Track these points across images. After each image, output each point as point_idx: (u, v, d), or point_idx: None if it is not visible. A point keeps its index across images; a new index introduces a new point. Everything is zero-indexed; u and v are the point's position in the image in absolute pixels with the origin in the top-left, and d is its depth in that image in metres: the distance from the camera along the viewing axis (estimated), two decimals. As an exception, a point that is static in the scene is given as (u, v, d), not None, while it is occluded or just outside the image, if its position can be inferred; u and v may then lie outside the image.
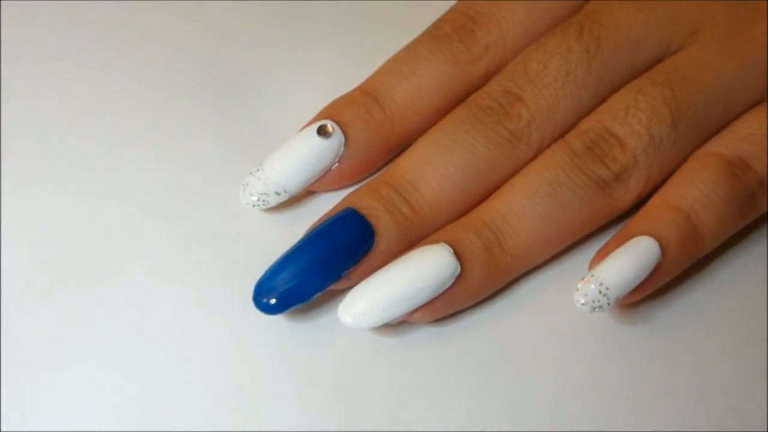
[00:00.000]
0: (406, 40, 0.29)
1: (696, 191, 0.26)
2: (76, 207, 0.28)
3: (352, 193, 0.27)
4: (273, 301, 0.25)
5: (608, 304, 0.25)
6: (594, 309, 0.25)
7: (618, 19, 0.28)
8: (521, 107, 0.27)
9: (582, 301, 0.25)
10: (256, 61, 0.31)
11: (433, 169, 0.27)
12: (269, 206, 0.28)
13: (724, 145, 0.27)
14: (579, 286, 0.25)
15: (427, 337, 0.27)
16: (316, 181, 0.28)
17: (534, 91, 0.27)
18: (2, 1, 0.32)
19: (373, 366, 0.26)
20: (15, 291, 0.27)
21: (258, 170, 0.27)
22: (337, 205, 0.27)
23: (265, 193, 0.27)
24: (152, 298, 0.27)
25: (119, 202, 0.28)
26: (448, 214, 0.27)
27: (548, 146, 0.27)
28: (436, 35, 0.29)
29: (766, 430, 0.25)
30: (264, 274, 0.26)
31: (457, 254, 0.25)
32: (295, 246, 0.26)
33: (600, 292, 0.25)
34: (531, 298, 0.27)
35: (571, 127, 0.27)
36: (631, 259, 0.25)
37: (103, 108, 0.30)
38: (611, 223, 0.28)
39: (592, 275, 0.25)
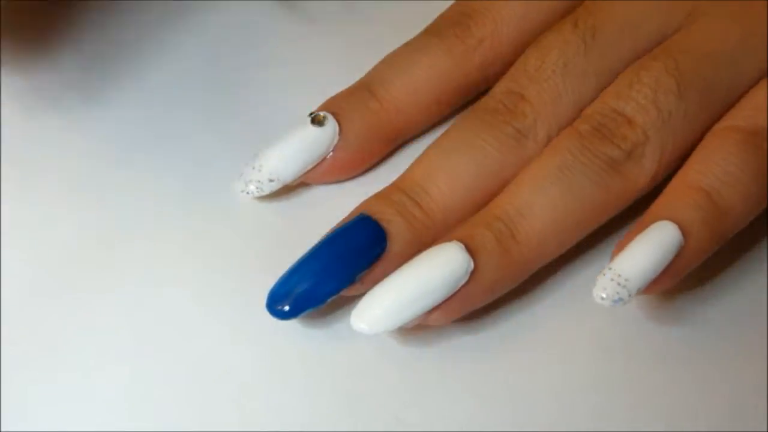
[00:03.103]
0: (406, 39, 0.29)
1: (716, 168, 0.25)
2: (75, 207, 0.28)
3: (364, 201, 0.27)
4: (287, 307, 0.25)
5: (629, 295, 0.24)
6: (615, 302, 0.24)
7: (613, 7, 0.27)
8: (525, 105, 0.27)
9: (602, 295, 0.24)
10: (256, 61, 0.31)
11: (442, 172, 0.27)
12: (263, 194, 0.28)
13: (740, 116, 0.26)
14: (597, 279, 0.24)
15: (428, 337, 0.26)
16: (312, 170, 0.28)
17: (536, 88, 0.27)
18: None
19: (374, 366, 0.26)
20: (15, 289, 0.27)
21: (253, 159, 0.28)
22: (351, 213, 0.27)
23: (259, 181, 0.28)
24: (153, 299, 0.27)
25: (119, 202, 0.28)
26: (460, 215, 0.26)
27: None
28: (432, 31, 0.29)
29: (766, 430, 0.25)
30: (277, 282, 0.26)
31: (469, 250, 0.25)
32: (307, 252, 0.26)
33: (619, 284, 0.24)
34: (532, 299, 0.27)
35: (577, 118, 0.27)
36: (649, 246, 0.24)
37: (101, 109, 0.30)
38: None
39: (610, 268, 0.24)
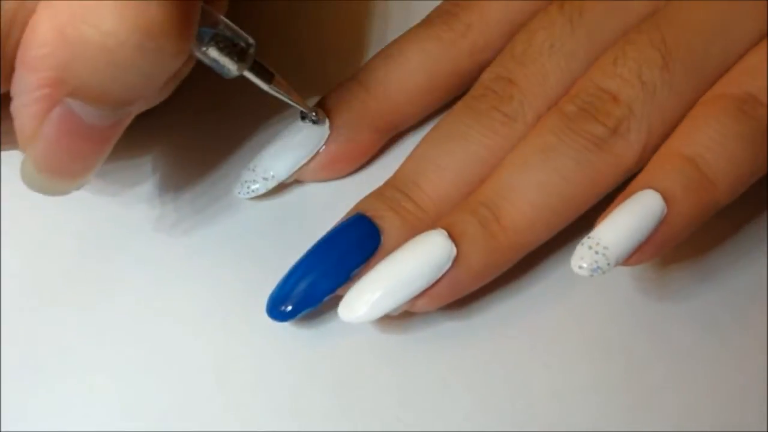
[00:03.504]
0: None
1: (701, 135, 0.24)
2: (75, 208, 0.28)
3: (359, 201, 0.27)
4: (288, 308, 0.25)
5: (608, 264, 0.23)
6: (593, 272, 0.23)
7: None
8: (512, 89, 0.27)
9: (581, 264, 0.23)
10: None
11: (432, 163, 0.27)
12: (259, 194, 0.28)
13: (728, 83, 0.25)
14: (576, 249, 0.24)
15: (427, 337, 0.26)
16: (305, 166, 0.28)
17: (522, 71, 0.27)
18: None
19: (373, 365, 0.26)
20: (16, 291, 0.27)
21: (249, 162, 0.28)
22: (347, 213, 0.27)
23: (254, 180, 0.28)
24: (151, 301, 0.27)
25: (118, 203, 0.28)
26: (453, 204, 0.26)
27: None
28: (423, 24, 0.29)
29: (766, 430, 0.25)
30: (275, 287, 0.26)
31: (452, 236, 0.25)
32: (304, 254, 0.26)
33: (597, 253, 0.23)
34: (531, 298, 0.27)
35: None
36: (629, 214, 0.24)
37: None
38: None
39: (589, 237, 0.24)
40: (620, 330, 0.26)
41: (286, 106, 0.27)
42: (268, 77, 0.26)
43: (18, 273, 0.27)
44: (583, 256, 0.23)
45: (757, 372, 0.26)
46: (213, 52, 0.24)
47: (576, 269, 0.23)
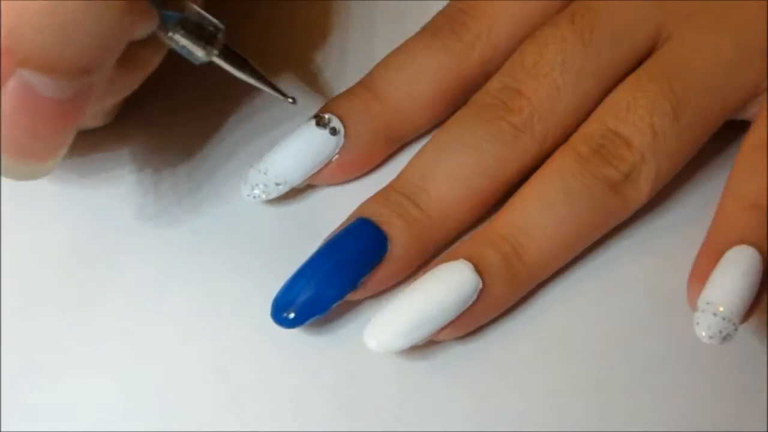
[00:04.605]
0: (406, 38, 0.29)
1: (762, 182, 0.25)
2: (76, 208, 0.28)
3: (363, 203, 0.27)
4: (291, 315, 0.25)
5: (735, 328, 0.24)
6: (724, 339, 0.23)
7: (610, 5, 0.27)
8: (522, 100, 0.27)
9: (708, 334, 0.24)
10: (259, 63, 0.30)
11: (439, 169, 0.27)
12: (270, 198, 0.27)
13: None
14: (698, 320, 0.24)
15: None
16: (318, 173, 0.28)
17: (533, 83, 0.27)
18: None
19: (373, 366, 0.26)
20: (16, 292, 0.27)
21: (258, 162, 0.27)
22: (349, 216, 0.27)
23: (265, 184, 0.27)
24: (155, 303, 0.27)
25: (119, 204, 0.28)
26: (459, 213, 0.27)
27: (554, 137, 0.27)
28: (430, 29, 0.29)
29: (766, 430, 0.25)
30: (280, 290, 0.25)
31: (478, 269, 0.25)
32: (309, 259, 0.26)
33: (723, 319, 0.24)
34: (531, 299, 0.27)
35: (575, 116, 0.27)
36: (737, 274, 0.24)
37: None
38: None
39: (707, 303, 0.24)
40: (621, 330, 0.27)
41: (291, 105, 0.27)
42: (240, 63, 0.25)
43: (18, 273, 0.27)
44: (711, 326, 0.24)
45: (758, 372, 0.26)
46: (179, 38, 0.23)
47: (706, 341, 0.24)
